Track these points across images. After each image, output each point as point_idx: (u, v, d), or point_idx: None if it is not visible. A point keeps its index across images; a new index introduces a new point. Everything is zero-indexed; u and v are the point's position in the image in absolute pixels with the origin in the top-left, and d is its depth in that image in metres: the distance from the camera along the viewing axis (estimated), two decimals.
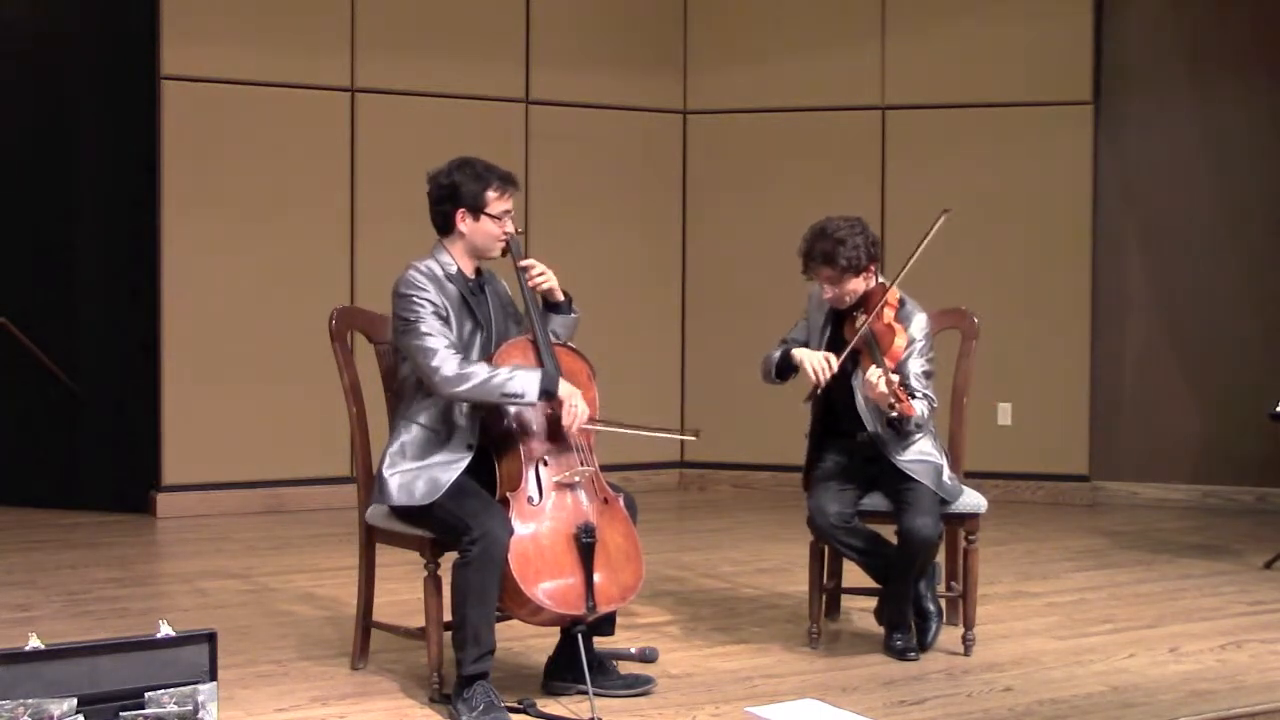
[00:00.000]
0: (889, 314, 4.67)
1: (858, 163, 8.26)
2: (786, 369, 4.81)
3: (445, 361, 4.14)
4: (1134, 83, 8.11)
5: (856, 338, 4.64)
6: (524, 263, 4.35)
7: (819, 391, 4.70)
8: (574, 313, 4.46)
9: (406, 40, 7.87)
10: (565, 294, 4.43)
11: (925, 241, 4.75)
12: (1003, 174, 8.08)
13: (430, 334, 4.18)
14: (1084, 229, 8.07)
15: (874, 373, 4.52)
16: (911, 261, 4.69)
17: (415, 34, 7.89)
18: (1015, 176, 7.97)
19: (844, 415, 4.83)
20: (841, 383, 4.75)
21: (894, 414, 4.53)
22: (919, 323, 4.79)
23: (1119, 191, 8.15)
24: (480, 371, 4.13)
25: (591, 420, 4.23)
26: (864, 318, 4.66)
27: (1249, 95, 8.00)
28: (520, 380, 4.12)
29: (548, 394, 4.14)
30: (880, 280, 4.78)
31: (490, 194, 4.30)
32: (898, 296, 4.74)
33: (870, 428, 4.74)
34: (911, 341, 4.72)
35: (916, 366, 4.73)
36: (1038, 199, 8.06)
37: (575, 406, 4.17)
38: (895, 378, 4.55)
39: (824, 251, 4.70)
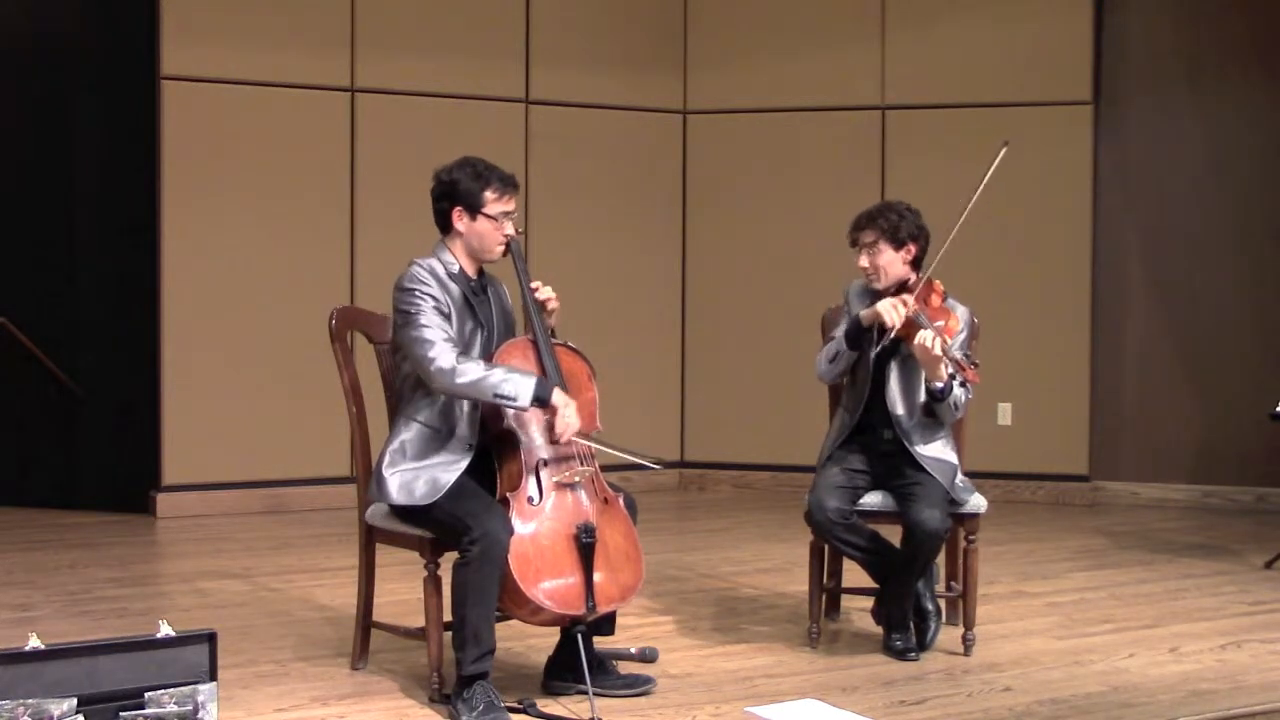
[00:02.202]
0: (937, 300, 4.71)
1: (858, 163, 8.26)
2: (858, 334, 4.78)
3: (442, 354, 4.13)
4: (1134, 83, 8.11)
5: (909, 294, 4.64)
6: (538, 292, 4.33)
7: (890, 338, 4.69)
8: None
9: (406, 40, 7.87)
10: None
11: (987, 176, 4.75)
12: (1003, 174, 8.04)
13: (429, 326, 4.17)
14: (1084, 229, 8.08)
15: (925, 335, 4.53)
16: (975, 197, 4.71)
17: (415, 34, 7.89)
18: (1015, 176, 7.95)
19: (871, 407, 4.84)
20: (875, 375, 4.80)
21: (945, 380, 4.55)
22: (962, 314, 4.83)
23: (1119, 191, 8.16)
24: (476, 368, 4.12)
25: (581, 434, 4.21)
26: (914, 303, 4.65)
27: (1249, 95, 8.00)
28: (515, 383, 4.10)
29: (540, 401, 4.12)
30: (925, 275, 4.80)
31: (488, 194, 4.28)
32: (942, 287, 4.76)
33: (898, 410, 4.76)
34: (957, 332, 4.75)
35: (957, 357, 4.72)
36: (1038, 199, 8.06)
37: (568, 418, 4.15)
38: (949, 340, 4.58)
39: (870, 213, 4.84)
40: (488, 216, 4.28)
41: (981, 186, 4.75)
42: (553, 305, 4.35)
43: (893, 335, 4.67)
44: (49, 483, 7.70)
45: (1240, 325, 8.00)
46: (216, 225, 7.49)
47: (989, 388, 7.53)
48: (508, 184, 4.32)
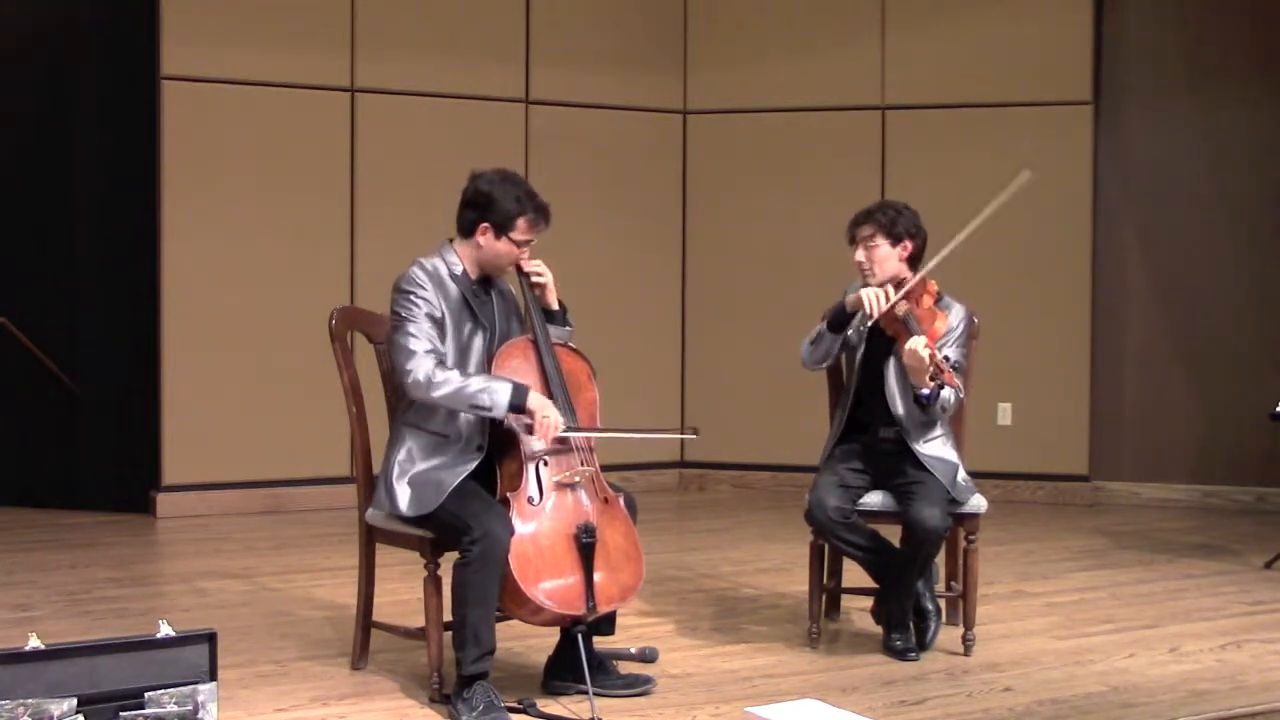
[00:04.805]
0: (928, 301, 4.69)
1: (858, 163, 8.25)
2: (842, 318, 4.79)
3: (420, 366, 4.12)
4: (1134, 83, 8.11)
5: (900, 299, 4.63)
6: (529, 266, 4.33)
7: (869, 323, 4.70)
8: (568, 325, 4.43)
9: (406, 40, 7.87)
10: (561, 304, 4.41)
11: (1002, 198, 4.73)
12: (1003, 174, 8.04)
13: (415, 335, 4.16)
14: (1084, 229, 8.08)
15: (916, 341, 4.53)
16: (983, 217, 4.68)
17: (415, 34, 7.89)
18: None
19: (870, 405, 4.85)
20: (871, 371, 4.81)
21: (930, 385, 4.55)
22: (957, 312, 4.84)
23: (1119, 191, 8.15)
24: (453, 379, 4.11)
25: (567, 428, 4.19)
26: (903, 302, 4.65)
27: (1248, 94, 8.00)
28: (491, 393, 4.08)
29: (516, 408, 4.10)
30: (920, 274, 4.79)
31: (521, 222, 4.25)
32: (936, 288, 4.75)
33: (898, 409, 4.77)
34: (950, 330, 4.75)
35: (951, 355, 4.73)
36: (1038, 199, 8.04)
37: (547, 419, 4.11)
38: (937, 349, 4.58)
39: (868, 209, 4.86)
40: (512, 241, 4.28)
41: (993, 207, 4.72)
42: (537, 280, 4.32)
43: (870, 324, 4.68)
44: (49, 483, 7.70)
45: (1240, 325, 8.00)
46: (216, 225, 7.49)
47: (989, 388, 7.55)
48: (542, 216, 4.29)
